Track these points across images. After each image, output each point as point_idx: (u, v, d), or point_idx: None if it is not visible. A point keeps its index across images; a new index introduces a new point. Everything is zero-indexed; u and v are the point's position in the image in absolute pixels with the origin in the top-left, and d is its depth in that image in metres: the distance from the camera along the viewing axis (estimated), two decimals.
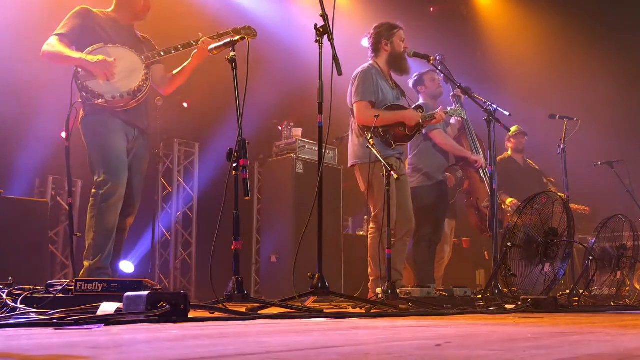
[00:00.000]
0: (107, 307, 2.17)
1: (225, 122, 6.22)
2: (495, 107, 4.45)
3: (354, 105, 4.42)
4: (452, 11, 9.10)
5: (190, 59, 3.89)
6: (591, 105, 7.61)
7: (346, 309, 3.73)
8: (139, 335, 1.65)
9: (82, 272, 3.48)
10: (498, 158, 6.70)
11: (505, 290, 3.90)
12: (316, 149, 5.75)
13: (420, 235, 4.90)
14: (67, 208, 4.90)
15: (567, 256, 4.06)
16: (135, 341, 1.51)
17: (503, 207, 6.05)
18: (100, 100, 3.54)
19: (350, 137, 4.62)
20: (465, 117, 5.22)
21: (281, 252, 6.52)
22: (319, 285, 3.12)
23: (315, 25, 3.33)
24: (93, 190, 3.59)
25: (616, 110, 7.97)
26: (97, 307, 2.20)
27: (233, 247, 2.96)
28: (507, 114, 4.57)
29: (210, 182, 7.37)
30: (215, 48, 3.36)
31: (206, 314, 2.54)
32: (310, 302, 3.53)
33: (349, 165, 4.58)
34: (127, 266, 5.93)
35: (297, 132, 7.06)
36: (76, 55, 3.56)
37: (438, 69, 4.78)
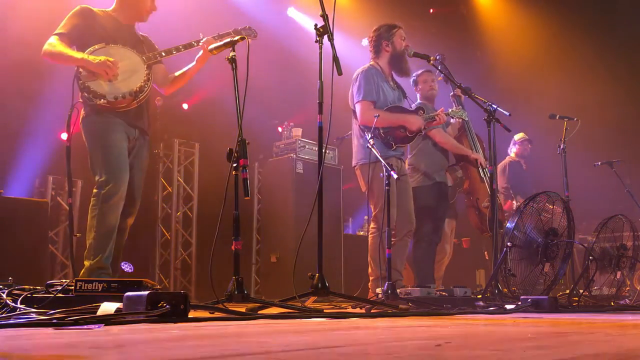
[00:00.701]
0: (107, 307, 2.17)
1: (225, 122, 6.22)
2: (495, 107, 4.44)
3: (356, 105, 4.42)
4: (452, 13, 9.10)
5: (194, 62, 3.88)
6: (591, 105, 7.61)
7: (346, 309, 3.73)
8: (139, 335, 1.65)
9: (82, 272, 3.47)
10: (508, 160, 6.75)
11: (505, 290, 3.90)
12: (316, 149, 5.75)
13: (420, 235, 4.89)
14: (67, 208, 4.91)
15: (567, 256, 4.06)
16: (135, 341, 1.51)
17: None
18: (102, 101, 3.54)
19: (352, 138, 4.63)
20: (467, 119, 5.22)
21: (281, 252, 6.52)
22: (319, 285, 3.12)
23: (315, 25, 3.33)
24: (94, 190, 3.59)
25: (616, 110, 7.97)
26: (97, 307, 2.20)
27: (233, 247, 2.96)
28: (507, 114, 4.56)
29: (210, 182, 7.37)
30: (215, 48, 3.36)
31: (206, 314, 2.54)
32: (310, 302, 3.53)
33: (353, 166, 4.59)
34: (127, 266, 5.93)
35: (297, 132, 7.06)
36: (78, 55, 3.56)
37: (438, 69, 4.77)
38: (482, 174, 5.22)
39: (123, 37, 3.76)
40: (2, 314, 2.28)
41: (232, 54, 3.19)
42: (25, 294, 2.55)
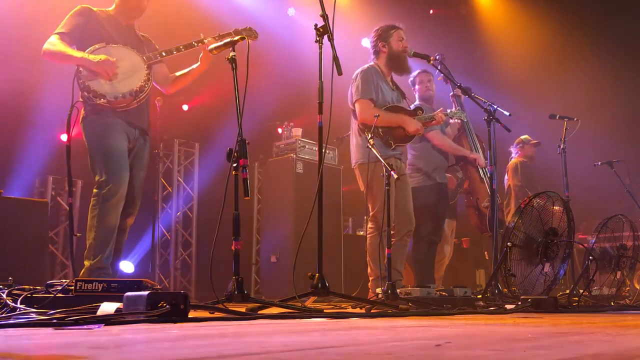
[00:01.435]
0: (107, 307, 2.17)
1: (225, 122, 6.22)
2: (495, 107, 4.44)
3: (355, 104, 4.42)
4: (452, 14, 9.10)
5: (199, 63, 3.88)
6: (591, 105, 7.61)
7: (346, 309, 3.73)
8: (139, 335, 1.65)
9: (82, 272, 3.48)
10: (518, 161, 6.72)
11: (505, 290, 3.90)
12: (316, 149, 5.75)
13: (420, 235, 4.89)
14: (67, 208, 4.91)
15: (567, 256, 4.06)
16: (135, 341, 1.51)
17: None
18: (102, 101, 3.54)
19: (351, 138, 4.62)
20: (466, 120, 5.22)
21: (281, 252, 6.53)
22: (319, 285, 3.12)
23: (315, 25, 3.32)
24: (94, 190, 3.59)
25: (616, 110, 7.97)
26: (97, 307, 2.20)
27: (233, 247, 2.96)
28: (507, 114, 4.56)
29: (210, 182, 7.38)
30: (216, 48, 3.36)
31: (206, 314, 2.54)
32: (310, 302, 3.53)
33: (352, 166, 4.59)
34: (127, 266, 5.93)
35: (297, 132, 7.06)
36: (78, 54, 3.56)
37: (438, 69, 4.77)
38: (482, 174, 5.22)
39: (123, 37, 3.76)
40: (2, 314, 2.28)
41: (232, 54, 3.19)
42: (25, 294, 2.55)
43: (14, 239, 4.67)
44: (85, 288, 2.56)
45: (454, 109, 5.30)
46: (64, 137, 3.49)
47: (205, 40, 3.77)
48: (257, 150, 7.32)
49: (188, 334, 1.67)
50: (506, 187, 6.77)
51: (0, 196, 4.77)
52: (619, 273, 4.39)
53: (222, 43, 3.33)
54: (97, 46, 3.62)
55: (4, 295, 2.47)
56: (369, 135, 4.03)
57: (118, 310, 2.15)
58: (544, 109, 6.31)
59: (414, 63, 4.89)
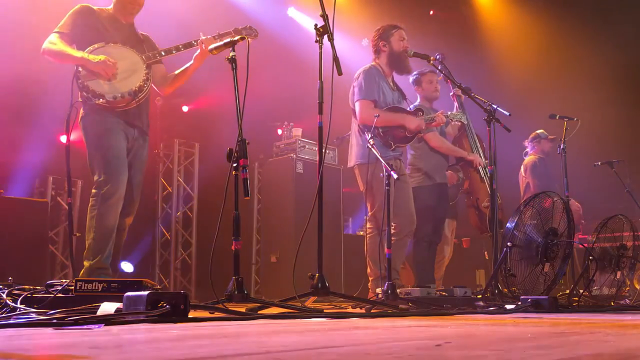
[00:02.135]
0: (107, 307, 2.17)
1: (225, 122, 6.23)
2: (495, 107, 4.44)
3: (356, 104, 4.42)
4: (451, 13, 9.09)
5: (192, 61, 3.88)
6: (591, 105, 7.60)
7: (346, 309, 3.73)
8: (139, 335, 1.65)
9: (82, 272, 3.48)
10: (536, 158, 6.64)
11: (505, 290, 3.90)
12: (316, 149, 5.75)
13: (420, 235, 4.89)
14: (67, 208, 4.90)
15: (567, 256, 4.06)
16: (135, 341, 1.51)
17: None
18: (101, 100, 3.54)
19: (351, 138, 4.62)
20: (466, 122, 5.21)
21: (281, 252, 6.52)
22: (319, 285, 3.12)
23: (315, 25, 3.32)
24: (93, 190, 3.59)
25: (616, 110, 7.97)
26: (97, 307, 2.20)
27: (233, 247, 2.96)
28: (507, 114, 4.56)
29: (210, 182, 7.37)
30: (215, 48, 3.36)
31: (206, 314, 2.54)
32: (310, 302, 3.53)
33: (349, 165, 4.58)
34: (127, 266, 5.93)
35: (297, 132, 7.06)
36: (78, 54, 3.56)
37: (438, 69, 4.77)
38: (482, 174, 5.22)
39: (123, 36, 3.76)
40: (2, 314, 2.28)
41: (232, 54, 3.19)
42: (25, 294, 2.55)
43: (14, 239, 4.67)
44: (85, 288, 2.56)
45: (455, 110, 5.31)
46: (63, 139, 3.48)
47: (203, 38, 3.76)
48: (257, 150, 7.32)
49: (188, 334, 1.67)
50: (522, 184, 6.64)
51: (0, 196, 4.78)
52: (619, 273, 4.39)
53: (222, 43, 3.33)
54: (96, 46, 3.61)
55: (4, 295, 2.47)
56: (369, 135, 4.03)
57: (118, 310, 2.15)
58: (544, 109, 6.31)
59: (415, 63, 4.88)
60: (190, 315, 2.19)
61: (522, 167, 6.69)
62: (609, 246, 4.39)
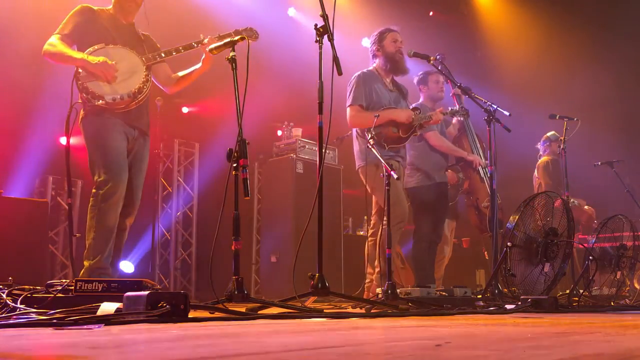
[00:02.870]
0: (107, 307, 2.17)
1: (225, 122, 6.23)
2: (495, 107, 4.44)
3: (347, 110, 4.49)
4: (451, 16, 9.10)
5: (200, 64, 3.87)
6: (591, 105, 7.61)
7: (346, 309, 3.73)
8: (139, 335, 1.65)
9: (82, 272, 3.48)
10: (549, 159, 6.68)
11: (505, 290, 3.90)
12: (316, 149, 5.75)
13: (420, 235, 4.90)
14: (67, 208, 4.91)
15: (567, 256, 4.06)
16: (135, 341, 1.51)
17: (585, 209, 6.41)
18: (100, 102, 3.54)
19: (353, 141, 4.67)
20: (463, 119, 5.21)
21: (281, 252, 6.53)
22: (319, 285, 3.12)
23: (315, 25, 3.33)
24: (93, 191, 3.59)
25: (616, 110, 7.97)
26: (97, 307, 2.20)
27: (233, 247, 2.96)
28: (507, 113, 4.56)
29: (210, 182, 7.37)
30: (215, 48, 3.35)
31: (206, 314, 2.54)
32: (310, 302, 3.53)
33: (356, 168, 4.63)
34: (127, 266, 5.93)
35: (297, 132, 7.06)
36: (78, 55, 3.56)
37: (438, 69, 4.77)
38: (482, 174, 5.22)
39: (123, 37, 3.76)
40: (2, 314, 2.28)
41: (232, 54, 3.19)
42: (25, 294, 2.55)
43: (14, 239, 4.67)
44: (85, 288, 2.56)
45: (454, 107, 5.30)
46: (63, 140, 3.48)
47: (205, 41, 3.76)
48: (257, 150, 7.32)
49: (188, 334, 1.67)
50: (535, 185, 6.73)
51: (0, 196, 4.77)
52: (619, 273, 4.39)
53: (222, 43, 3.32)
54: (96, 47, 3.61)
55: (4, 295, 2.47)
56: (369, 135, 4.04)
57: (118, 310, 2.15)
58: (544, 109, 6.31)
59: (415, 63, 4.89)
60: (190, 315, 2.19)
61: (535, 168, 6.82)
62: (609, 246, 4.39)
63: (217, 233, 2.99)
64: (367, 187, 4.44)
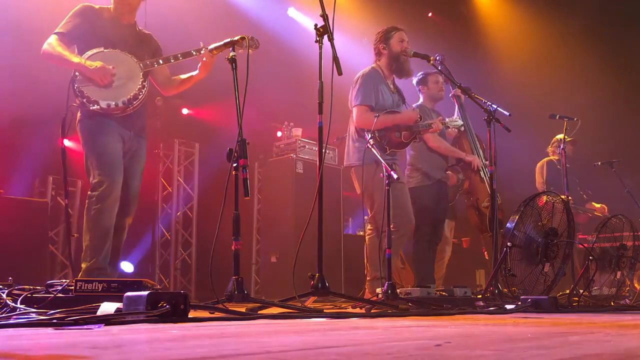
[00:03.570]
0: (107, 307, 2.17)
1: (225, 122, 6.22)
2: (495, 107, 4.44)
3: (353, 109, 4.45)
4: (451, 16, 9.10)
5: (197, 71, 3.83)
6: (591, 105, 7.60)
7: (346, 309, 3.73)
8: (139, 335, 1.65)
9: (80, 274, 3.47)
10: (545, 161, 6.69)
11: (505, 290, 3.90)
12: (316, 149, 5.76)
13: (420, 235, 4.89)
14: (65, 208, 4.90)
15: (567, 256, 4.06)
16: (135, 341, 1.51)
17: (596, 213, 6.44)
18: (96, 107, 3.53)
19: (347, 140, 4.62)
20: (463, 129, 5.21)
21: (281, 252, 6.52)
22: (319, 285, 3.12)
23: (315, 25, 3.32)
24: (89, 192, 3.58)
25: (616, 110, 7.97)
26: (97, 307, 2.20)
27: (233, 247, 2.96)
28: (507, 114, 4.56)
29: (210, 182, 7.37)
30: (215, 48, 3.35)
31: (206, 314, 2.54)
32: (310, 302, 3.53)
33: (344, 165, 4.60)
34: (127, 266, 5.93)
35: (297, 132, 7.06)
36: (75, 59, 3.54)
37: (438, 69, 4.77)
38: (482, 174, 5.22)
39: (124, 37, 3.75)
40: (2, 314, 2.28)
41: (232, 54, 3.19)
42: (25, 294, 2.55)
43: (14, 239, 4.67)
44: (85, 288, 2.56)
45: (455, 113, 5.31)
46: (66, 142, 3.48)
47: (202, 51, 3.72)
48: (257, 150, 7.32)
49: (188, 334, 1.67)
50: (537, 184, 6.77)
51: (0, 196, 4.78)
52: (619, 273, 4.39)
53: (221, 43, 3.33)
54: (95, 50, 3.59)
55: (4, 295, 2.47)
56: (369, 136, 4.04)
57: (118, 310, 2.15)
58: (544, 109, 6.31)
59: (415, 64, 4.88)
60: (190, 315, 2.19)
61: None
62: (609, 246, 4.40)
63: (217, 233, 2.98)
64: (359, 187, 4.41)
